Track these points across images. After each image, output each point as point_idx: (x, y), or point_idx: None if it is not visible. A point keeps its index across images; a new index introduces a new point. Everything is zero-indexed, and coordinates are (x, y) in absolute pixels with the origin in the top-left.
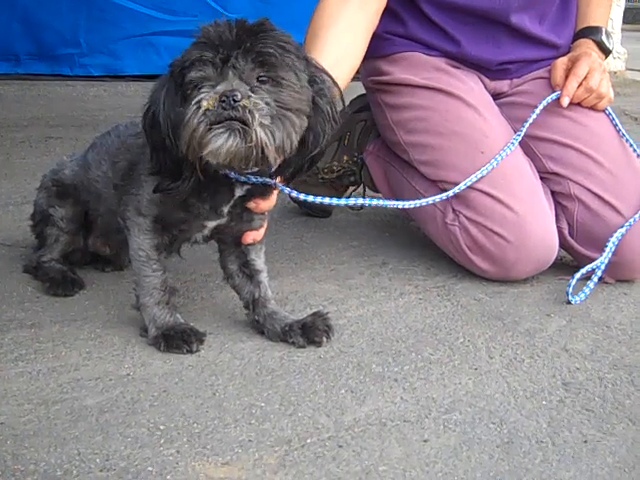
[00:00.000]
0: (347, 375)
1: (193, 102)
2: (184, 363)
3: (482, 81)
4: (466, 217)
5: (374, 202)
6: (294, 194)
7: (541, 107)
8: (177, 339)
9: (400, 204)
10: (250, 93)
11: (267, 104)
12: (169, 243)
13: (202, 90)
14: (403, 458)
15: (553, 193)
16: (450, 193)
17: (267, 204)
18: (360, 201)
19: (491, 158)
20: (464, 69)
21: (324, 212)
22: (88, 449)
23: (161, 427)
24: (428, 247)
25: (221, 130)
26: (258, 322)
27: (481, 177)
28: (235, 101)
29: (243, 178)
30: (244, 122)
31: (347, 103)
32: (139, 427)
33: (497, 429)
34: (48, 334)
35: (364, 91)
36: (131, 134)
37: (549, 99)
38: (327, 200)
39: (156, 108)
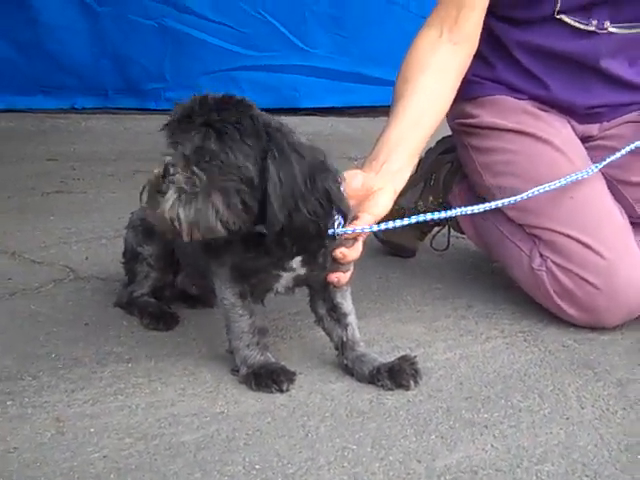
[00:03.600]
0: (437, 420)
1: None
2: (276, 402)
3: (571, 125)
4: (554, 263)
5: (445, 213)
6: (375, 227)
7: (632, 146)
8: (267, 378)
9: (468, 210)
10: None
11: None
12: (250, 292)
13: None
14: None
15: None
16: (512, 200)
17: (354, 253)
18: (435, 215)
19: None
20: (552, 112)
21: (408, 252)
22: None
23: (256, 466)
24: (513, 290)
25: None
26: (346, 365)
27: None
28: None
29: None
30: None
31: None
32: (235, 465)
33: None
34: (144, 369)
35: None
36: None
37: (638, 143)
38: (413, 220)
39: None
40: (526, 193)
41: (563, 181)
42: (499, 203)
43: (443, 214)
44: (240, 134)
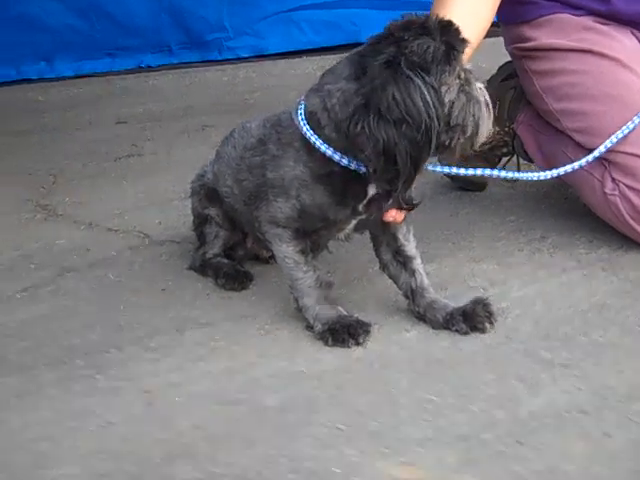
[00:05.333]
0: (516, 363)
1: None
2: (353, 357)
3: (635, 37)
4: (627, 186)
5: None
6: (446, 169)
7: None
8: (343, 333)
9: (548, 174)
10: None
11: None
12: (312, 246)
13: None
14: (586, 454)
15: None
16: (596, 153)
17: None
18: (510, 174)
19: None
20: (615, 25)
21: (478, 186)
22: (275, 450)
23: (340, 426)
24: (589, 217)
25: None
26: (419, 312)
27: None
28: None
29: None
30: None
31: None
32: (320, 426)
33: None
34: (222, 332)
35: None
36: (246, 147)
37: None
38: (479, 172)
39: (394, 102)
40: (604, 144)
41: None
42: (582, 162)
43: (539, 175)
44: None
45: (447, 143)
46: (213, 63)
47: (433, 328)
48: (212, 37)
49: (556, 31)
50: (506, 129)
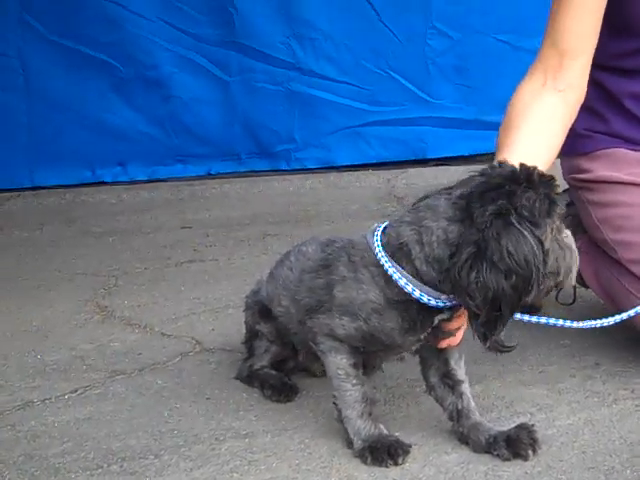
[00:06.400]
0: None
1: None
2: (389, 476)
3: None
4: None
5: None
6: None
7: None
8: (383, 452)
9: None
10: None
11: None
12: (367, 364)
13: None
14: None
15: None
16: None
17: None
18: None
19: None
20: None
21: (534, 308)
22: None
23: None
24: None
25: None
26: (462, 433)
27: None
28: None
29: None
30: None
31: None
32: None
33: None
34: (261, 444)
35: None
36: (305, 270)
37: None
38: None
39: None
40: None
41: None
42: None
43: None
44: None
45: (541, 288)
46: (281, 173)
47: (475, 451)
48: (281, 148)
49: (612, 164)
50: None
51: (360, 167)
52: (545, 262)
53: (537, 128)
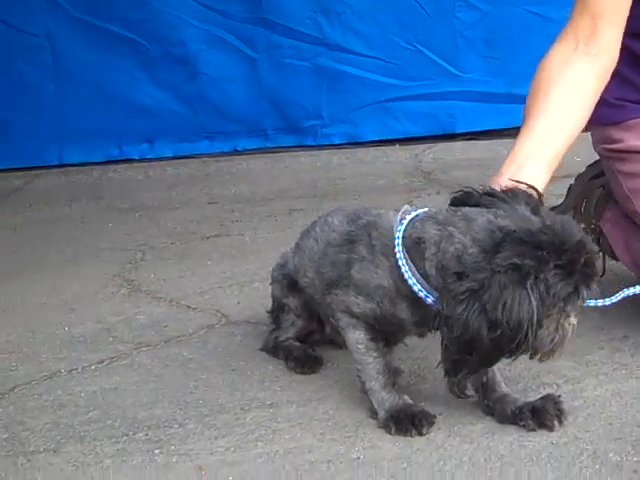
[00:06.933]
0: (581, 464)
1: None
2: (413, 446)
3: None
4: None
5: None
6: None
7: None
8: (407, 422)
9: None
10: None
11: None
12: (384, 338)
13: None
14: None
15: None
16: None
17: None
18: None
19: None
20: None
21: None
22: None
23: None
24: None
25: None
26: (488, 406)
27: None
28: None
29: None
30: None
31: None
32: None
33: None
34: (285, 414)
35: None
36: (330, 243)
37: None
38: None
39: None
40: None
41: None
42: None
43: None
44: None
45: (520, 353)
46: (307, 148)
47: (500, 422)
48: (308, 124)
49: None
50: (592, 226)
51: (387, 142)
52: (535, 334)
53: (566, 95)
